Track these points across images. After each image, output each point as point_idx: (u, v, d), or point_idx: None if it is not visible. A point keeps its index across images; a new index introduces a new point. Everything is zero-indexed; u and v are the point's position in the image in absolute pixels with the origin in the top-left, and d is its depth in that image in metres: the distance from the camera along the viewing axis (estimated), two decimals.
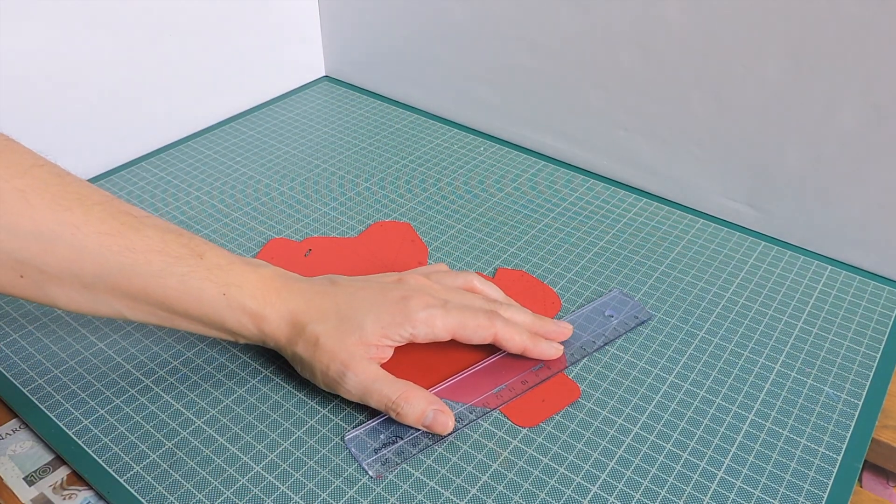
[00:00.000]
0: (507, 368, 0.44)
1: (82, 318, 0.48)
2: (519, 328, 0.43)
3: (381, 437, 0.41)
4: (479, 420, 0.42)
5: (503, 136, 0.69)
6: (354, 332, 0.40)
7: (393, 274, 0.45)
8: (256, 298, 0.40)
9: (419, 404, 0.40)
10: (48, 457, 0.41)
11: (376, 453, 0.40)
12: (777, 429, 0.42)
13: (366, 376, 0.40)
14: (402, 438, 0.40)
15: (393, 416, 0.40)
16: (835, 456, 0.40)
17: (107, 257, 0.37)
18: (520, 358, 0.45)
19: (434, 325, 0.41)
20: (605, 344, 0.47)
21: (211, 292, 0.39)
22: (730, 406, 0.43)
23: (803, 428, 0.42)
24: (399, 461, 0.40)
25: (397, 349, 0.42)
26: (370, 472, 0.39)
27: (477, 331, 0.42)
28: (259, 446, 0.41)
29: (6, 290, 0.37)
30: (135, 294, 0.38)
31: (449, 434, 0.41)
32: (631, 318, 0.48)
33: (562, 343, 0.45)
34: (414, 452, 0.40)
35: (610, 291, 0.51)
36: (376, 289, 0.42)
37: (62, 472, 0.40)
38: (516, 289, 0.50)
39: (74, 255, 0.37)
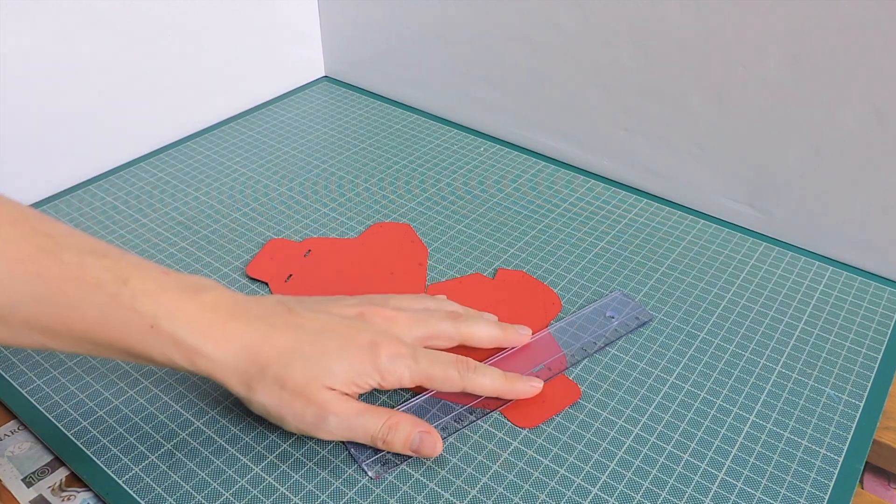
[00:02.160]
0: (508, 370, 0.44)
1: None
2: (492, 374, 0.41)
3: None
4: (478, 421, 0.42)
5: (503, 136, 0.69)
6: (323, 376, 0.37)
7: (352, 301, 0.42)
8: (193, 333, 0.35)
9: (404, 429, 0.38)
10: (47, 458, 0.41)
11: (376, 454, 0.40)
12: (778, 430, 0.42)
13: (347, 414, 0.37)
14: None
15: (380, 445, 0.39)
16: (836, 457, 0.40)
17: (16, 287, 0.33)
18: (520, 359, 0.45)
19: (402, 376, 0.39)
20: (606, 345, 0.46)
21: (135, 324, 0.35)
22: (730, 407, 0.43)
23: (804, 429, 0.42)
24: (398, 461, 0.39)
25: None
26: (369, 473, 0.39)
27: (445, 384, 0.40)
28: (258, 447, 0.40)
29: None
30: (53, 327, 0.34)
31: (449, 435, 0.41)
32: (632, 318, 0.48)
33: (561, 344, 0.45)
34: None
35: (611, 293, 0.51)
36: (342, 329, 0.39)
37: (61, 474, 0.40)
38: (516, 290, 0.50)
39: None
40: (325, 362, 0.37)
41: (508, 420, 0.42)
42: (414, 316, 0.42)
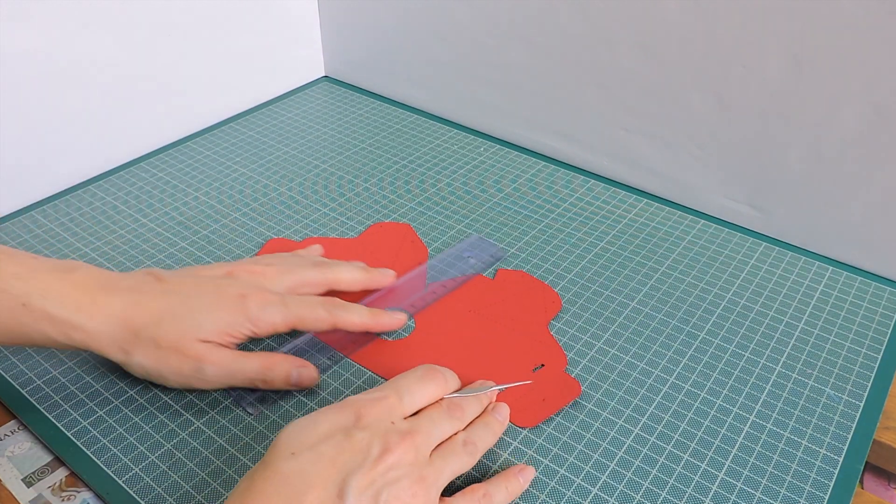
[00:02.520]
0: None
1: None
2: (358, 311, 0.44)
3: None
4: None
5: (503, 136, 0.69)
6: (193, 330, 0.39)
7: (222, 265, 0.44)
8: (66, 307, 0.37)
9: (282, 367, 0.41)
10: (47, 458, 0.41)
11: (255, 394, 0.43)
12: (778, 430, 0.42)
13: (223, 362, 0.40)
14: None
15: (261, 386, 0.41)
16: (836, 457, 0.40)
17: None
18: (389, 300, 0.48)
19: (274, 321, 0.41)
20: (465, 282, 0.50)
21: (7, 304, 0.36)
22: (730, 407, 0.43)
23: (804, 429, 0.42)
24: (276, 398, 0.42)
25: None
26: (249, 411, 0.42)
27: (316, 323, 0.43)
28: (258, 447, 0.40)
29: None
30: None
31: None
32: (487, 257, 0.52)
33: (426, 280, 0.49)
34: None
35: (469, 236, 0.54)
36: (210, 287, 0.41)
37: (61, 474, 0.40)
38: (516, 290, 0.50)
39: None
40: (196, 318, 0.39)
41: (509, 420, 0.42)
42: (280, 268, 0.45)
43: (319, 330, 0.44)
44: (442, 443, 0.36)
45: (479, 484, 0.37)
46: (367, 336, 0.46)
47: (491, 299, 0.50)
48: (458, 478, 0.38)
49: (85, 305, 0.38)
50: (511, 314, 0.48)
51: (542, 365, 0.45)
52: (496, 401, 0.41)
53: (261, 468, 0.32)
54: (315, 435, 0.33)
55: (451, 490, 0.36)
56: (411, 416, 0.37)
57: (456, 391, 0.40)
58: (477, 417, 0.39)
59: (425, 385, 0.38)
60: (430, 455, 0.35)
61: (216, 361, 0.40)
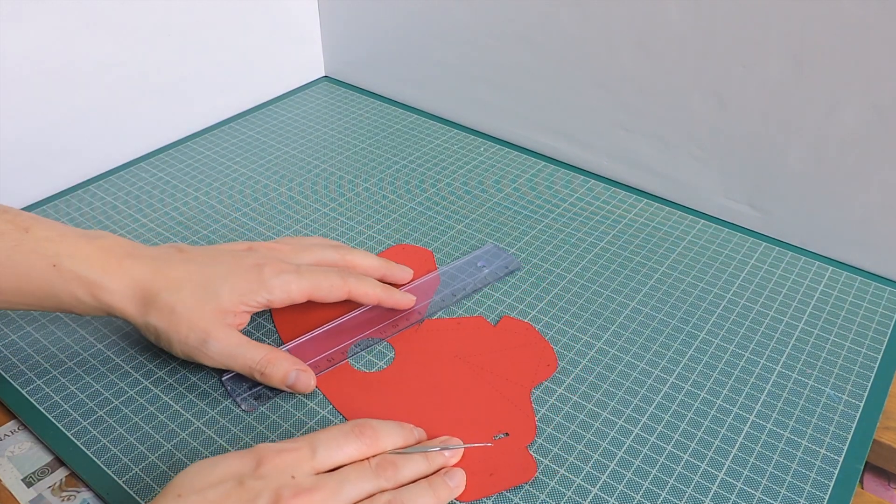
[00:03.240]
0: (368, 322, 0.47)
1: (81, 318, 0.48)
2: (371, 282, 0.45)
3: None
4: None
5: (503, 136, 0.69)
6: (211, 301, 0.40)
7: (243, 242, 0.46)
8: (93, 267, 0.39)
9: (282, 366, 0.41)
10: (47, 458, 0.41)
11: (250, 389, 0.43)
12: (778, 430, 0.42)
13: (228, 342, 0.40)
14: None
15: (258, 377, 0.41)
16: (836, 457, 0.40)
17: None
18: (377, 312, 0.48)
19: (289, 289, 0.42)
20: (474, 291, 0.50)
21: (39, 265, 0.38)
22: (730, 407, 0.43)
23: (804, 429, 0.42)
24: (271, 395, 0.43)
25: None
26: (242, 406, 0.42)
27: (331, 291, 0.43)
28: None
29: None
30: None
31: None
32: (501, 268, 0.51)
33: (434, 290, 0.49)
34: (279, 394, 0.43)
35: (485, 245, 0.53)
36: (229, 258, 0.43)
37: (61, 474, 0.40)
38: (514, 343, 0.46)
39: None
40: (213, 286, 0.40)
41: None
42: (299, 246, 0.46)
43: (333, 299, 0.44)
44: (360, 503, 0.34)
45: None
46: (380, 331, 0.46)
47: (483, 348, 0.46)
48: None
49: (111, 268, 0.39)
50: (498, 370, 0.44)
51: (507, 434, 0.41)
52: (456, 465, 0.38)
53: None
54: (209, 479, 0.32)
55: None
56: (327, 471, 0.34)
57: (409, 446, 0.37)
58: (422, 478, 0.36)
59: (348, 442, 0.35)
60: None
61: (222, 339, 0.40)
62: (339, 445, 0.35)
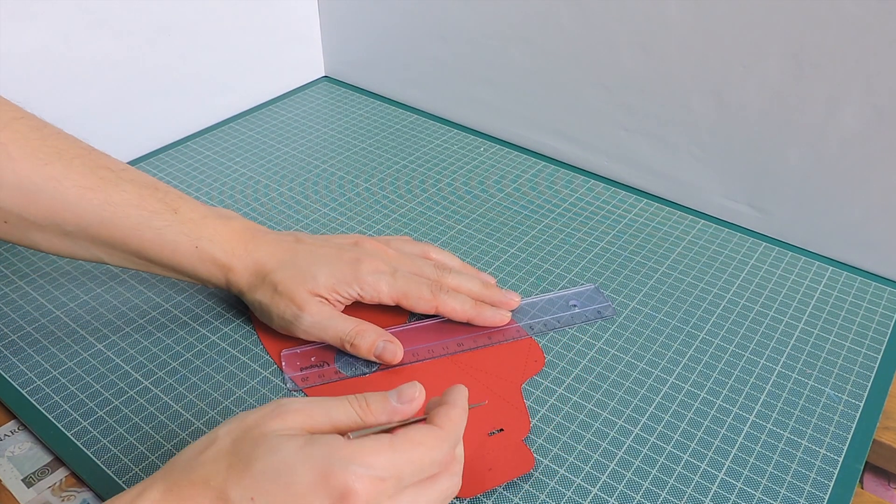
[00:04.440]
0: (462, 329, 0.47)
1: (82, 320, 0.48)
2: (462, 299, 0.46)
3: (312, 358, 0.45)
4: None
5: (503, 136, 0.69)
6: (308, 282, 0.44)
7: (353, 236, 0.48)
8: (225, 251, 0.44)
9: (370, 336, 0.44)
10: (47, 458, 0.41)
11: (301, 371, 0.44)
12: (778, 430, 0.42)
13: (321, 316, 0.44)
14: (329, 364, 0.45)
15: (348, 348, 0.44)
16: (836, 457, 0.40)
17: (86, 209, 0.40)
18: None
19: (380, 289, 0.45)
20: (558, 328, 0.48)
21: (185, 245, 0.43)
22: (730, 407, 0.43)
23: (804, 429, 0.42)
24: (319, 381, 0.44)
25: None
26: (288, 385, 0.44)
27: (419, 302, 0.45)
28: None
29: None
30: (113, 243, 0.42)
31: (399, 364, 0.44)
32: (592, 310, 0.49)
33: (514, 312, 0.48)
34: (334, 378, 0.44)
35: (585, 285, 0.51)
36: (334, 249, 0.46)
37: (61, 474, 0.40)
38: (500, 341, 0.47)
39: (56, 206, 0.40)
40: (312, 270, 0.44)
41: None
42: (402, 253, 0.48)
43: (420, 311, 0.46)
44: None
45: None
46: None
47: (471, 347, 0.46)
48: None
49: (239, 252, 0.44)
50: (487, 368, 0.45)
51: (501, 430, 0.41)
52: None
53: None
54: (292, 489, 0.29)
55: None
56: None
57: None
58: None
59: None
60: None
61: (315, 313, 0.44)
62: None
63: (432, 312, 0.46)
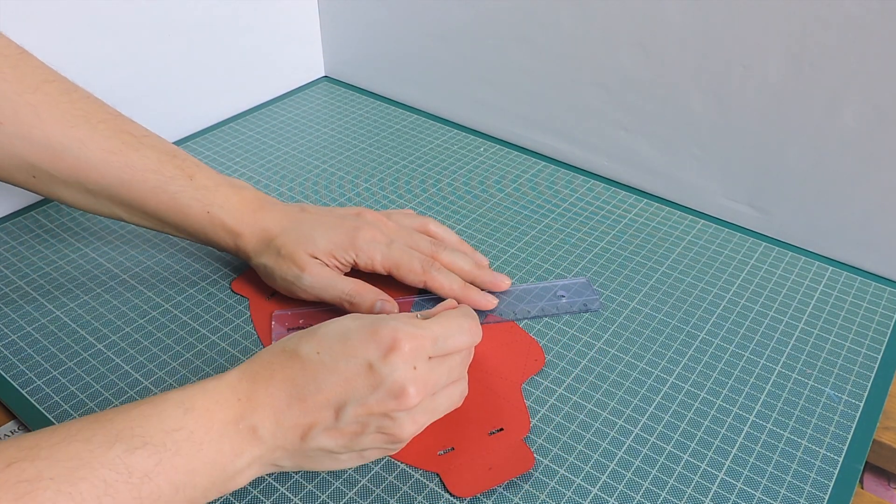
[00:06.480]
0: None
1: (82, 320, 0.48)
2: (452, 277, 0.48)
3: (300, 321, 0.48)
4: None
5: (503, 136, 0.69)
6: (309, 246, 0.46)
7: (356, 208, 0.50)
8: (235, 218, 0.47)
9: (369, 296, 0.46)
10: None
11: (287, 331, 0.47)
12: (778, 430, 0.42)
13: (321, 276, 0.46)
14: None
15: (347, 307, 0.46)
16: (836, 457, 0.40)
17: (108, 170, 0.44)
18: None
19: (374, 257, 0.47)
20: (541, 316, 0.49)
21: (197, 210, 0.46)
22: (730, 407, 0.43)
23: (804, 429, 0.42)
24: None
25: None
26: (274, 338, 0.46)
27: (409, 274, 0.47)
28: None
29: (21, 186, 0.45)
30: (131, 203, 0.45)
31: None
32: (579, 302, 0.50)
33: (499, 295, 0.49)
34: None
35: (578, 277, 0.52)
36: (336, 218, 0.48)
37: None
38: (500, 341, 0.47)
39: (80, 165, 0.43)
40: (313, 234, 0.47)
41: (445, 486, 0.38)
42: (400, 226, 0.49)
43: (410, 283, 0.47)
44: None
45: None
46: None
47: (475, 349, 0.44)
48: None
49: (247, 219, 0.47)
50: (487, 367, 0.45)
51: (501, 429, 0.41)
52: (455, 462, 0.39)
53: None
54: (343, 349, 0.36)
55: None
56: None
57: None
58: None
59: (462, 332, 0.39)
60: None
61: (315, 274, 0.46)
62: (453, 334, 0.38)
63: (421, 286, 0.47)
